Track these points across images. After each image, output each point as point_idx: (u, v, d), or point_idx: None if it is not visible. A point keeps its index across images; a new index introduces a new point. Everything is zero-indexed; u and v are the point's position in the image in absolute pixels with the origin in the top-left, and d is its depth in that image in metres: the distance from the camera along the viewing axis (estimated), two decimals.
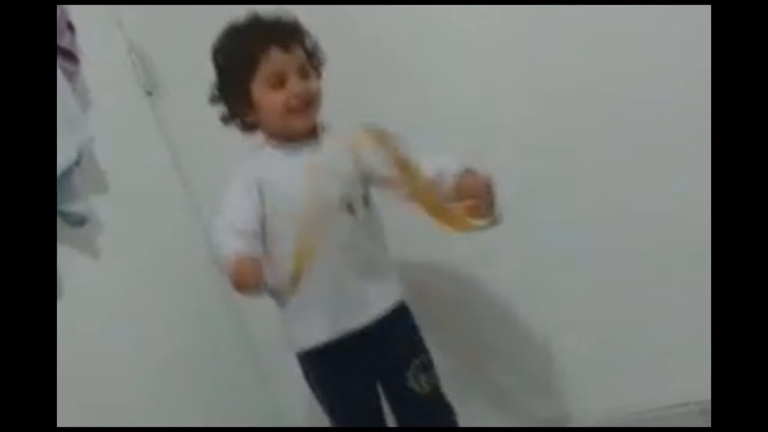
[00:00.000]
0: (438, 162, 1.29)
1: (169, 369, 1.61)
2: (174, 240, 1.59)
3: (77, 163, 1.46)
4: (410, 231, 1.43)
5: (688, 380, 1.45)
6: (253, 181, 1.28)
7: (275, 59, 1.28)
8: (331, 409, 1.39)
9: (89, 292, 1.47)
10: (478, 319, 1.70)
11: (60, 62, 1.48)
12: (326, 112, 1.35)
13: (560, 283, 1.61)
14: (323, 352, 1.34)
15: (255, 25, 1.32)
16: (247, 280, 1.18)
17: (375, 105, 1.59)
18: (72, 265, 1.44)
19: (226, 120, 1.37)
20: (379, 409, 1.41)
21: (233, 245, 1.21)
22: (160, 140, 1.73)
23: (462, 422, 1.42)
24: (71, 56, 1.53)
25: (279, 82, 1.28)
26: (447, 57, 1.59)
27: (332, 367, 1.35)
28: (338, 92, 1.33)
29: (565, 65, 1.50)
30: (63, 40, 1.51)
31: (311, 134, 1.35)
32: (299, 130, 1.32)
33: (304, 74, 1.30)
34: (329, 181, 1.30)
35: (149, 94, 1.82)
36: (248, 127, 1.37)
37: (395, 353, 1.37)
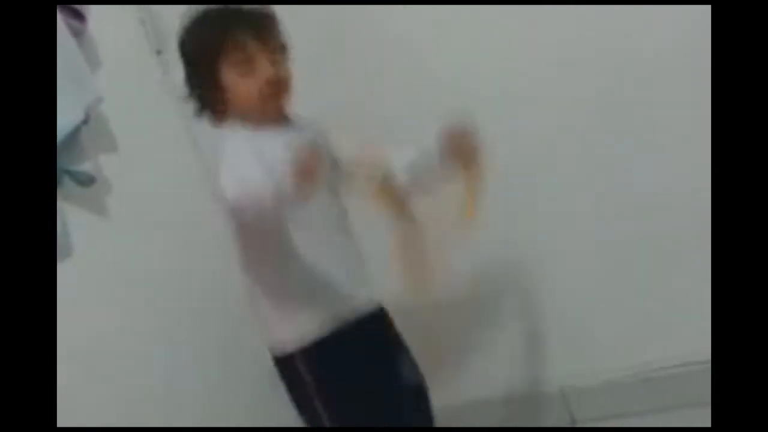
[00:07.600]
0: (405, 158, 1.29)
1: (180, 327, 1.62)
2: (182, 199, 1.60)
3: (85, 122, 1.46)
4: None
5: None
6: (254, 151, 1.22)
7: (244, 44, 1.25)
8: (341, 404, 1.28)
9: (97, 250, 1.48)
10: (481, 281, 1.69)
11: (67, 19, 1.47)
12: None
13: (568, 245, 1.60)
14: (326, 345, 1.27)
15: (223, 10, 1.30)
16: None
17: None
18: (80, 224, 1.45)
19: (199, 113, 1.34)
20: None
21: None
22: (169, 100, 1.72)
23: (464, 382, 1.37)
24: (78, 14, 1.52)
25: (249, 68, 1.26)
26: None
27: (339, 358, 1.27)
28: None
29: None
30: None
31: (283, 120, 1.33)
32: (272, 113, 1.30)
33: (274, 61, 1.28)
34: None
35: (159, 53, 1.80)
36: (218, 118, 1.33)
37: (387, 348, 1.35)
